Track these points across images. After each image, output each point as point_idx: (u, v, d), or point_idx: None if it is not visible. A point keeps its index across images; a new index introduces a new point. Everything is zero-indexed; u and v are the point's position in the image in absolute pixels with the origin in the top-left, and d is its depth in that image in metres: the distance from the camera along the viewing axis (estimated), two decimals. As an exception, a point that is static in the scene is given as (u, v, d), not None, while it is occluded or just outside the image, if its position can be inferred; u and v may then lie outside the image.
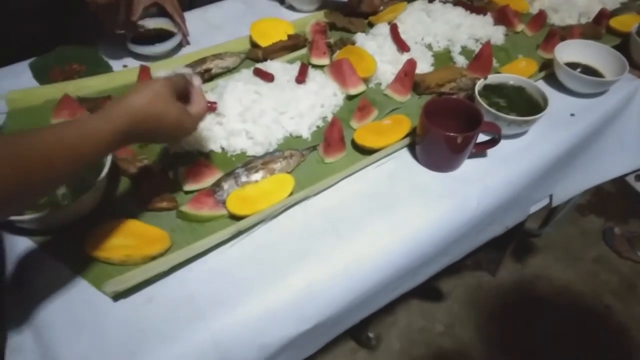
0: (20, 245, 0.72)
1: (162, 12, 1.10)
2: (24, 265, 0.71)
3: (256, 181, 0.81)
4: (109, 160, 0.73)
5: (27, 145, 0.50)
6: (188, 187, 0.80)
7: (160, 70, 0.99)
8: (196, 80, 0.74)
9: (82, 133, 0.55)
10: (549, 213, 1.76)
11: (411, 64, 0.96)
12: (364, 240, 0.75)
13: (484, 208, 0.85)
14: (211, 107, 0.87)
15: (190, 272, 0.71)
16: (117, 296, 0.66)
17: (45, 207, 0.68)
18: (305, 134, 0.91)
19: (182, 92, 0.69)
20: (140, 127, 0.61)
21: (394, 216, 0.79)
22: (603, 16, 1.21)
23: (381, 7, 1.22)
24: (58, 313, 0.65)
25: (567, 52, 1.05)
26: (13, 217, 0.67)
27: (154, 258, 0.70)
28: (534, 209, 1.06)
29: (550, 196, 1.07)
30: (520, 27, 1.20)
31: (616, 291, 1.79)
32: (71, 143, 0.53)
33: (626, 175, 1.15)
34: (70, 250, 0.70)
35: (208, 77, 1.01)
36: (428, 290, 1.75)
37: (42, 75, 1.02)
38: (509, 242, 1.63)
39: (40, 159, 0.50)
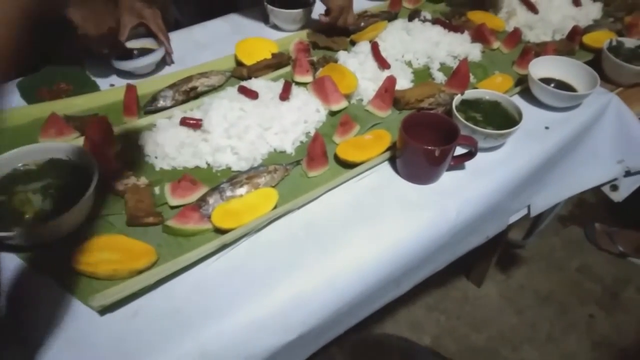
0: (6, 261, 0.73)
1: (148, 33, 1.13)
2: (11, 280, 0.71)
3: (241, 195, 0.83)
4: (95, 176, 0.75)
5: None
6: (174, 202, 0.82)
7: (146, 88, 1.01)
8: None
9: None
10: (532, 224, 1.79)
11: (391, 81, 1.00)
12: (347, 251, 0.77)
13: (463, 218, 0.87)
14: (196, 124, 0.90)
15: (176, 285, 0.72)
16: (104, 310, 0.67)
17: (31, 223, 0.69)
18: (289, 149, 0.93)
19: None
20: None
21: (376, 227, 0.81)
22: (576, 33, 1.26)
23: (362, 23, 1.25)
24: (45, 328, 0.66)
25: (541, 67, 1.10)
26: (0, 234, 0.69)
27: (140, 272, 0.71)
28: (512, 219, 1.09)
29: (529, 207, 1.10)
30: (496, 44, 1.24)
31: (600, 300, 1.82)
32: None
33: (602, 185, 1.18)
34: (57, 266, 0.71)
35: (194, 94, 1.03)
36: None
37: (30, 95, 1.03)
38: (493, 253, 1.66)
39: None
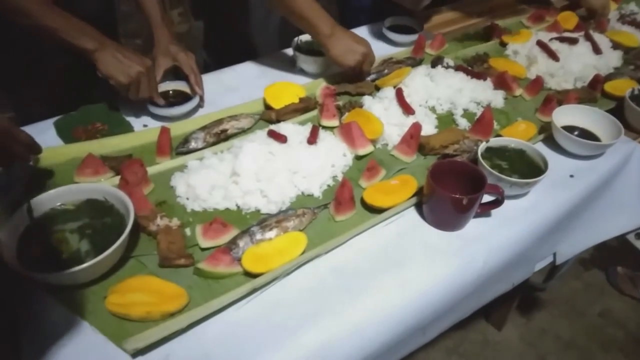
0: (40, 300, 0.74)
1: (180, 75, 1.18)
2: (44, 320, 0.72)
3: (270, 239, 0.84)
4: (131, 219, 0.77)
5: None
6: (205, 244, 0.83)
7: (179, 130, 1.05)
8: None
9: None
10: (553, 267, 1.76)
11: (416, 127, 1.02)
12: (374, 297, 0.78)
13: (490, 266, 0.87)
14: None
15: (206, 329, 0.73)
16: (136, 353, 0.68)
17: (68, 264, 0.70)
18: (317, 192, 0.95)
19: None
20: None
21: (403, 274, 0.82)
22: (598, 81, 1.28)
23: (385, 70, 1.29)
24: (78, 369, 0.67)
25: (565, 115, 1.11)
26: (35, 274, 0.70)
27: (172, 315, 0.72)
28: (538, 266, 1.08)
29: (554, 254, 1.10)
30: (518, 91, 1.27)
31: (623, 347, 1.78)
32: None
33: (627, 233, 1.18)
34: (90, 306, 0.73)
35: (224, 137, 1.06)
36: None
37: (66, 134, 1.07)
38: (514, 296, 1.63)
39: None
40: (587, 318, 1.88)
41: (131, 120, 1.12)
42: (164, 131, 1.01)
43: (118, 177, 0.92)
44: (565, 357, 1.74)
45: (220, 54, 1.50)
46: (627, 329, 1.84)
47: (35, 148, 0.89)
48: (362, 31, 1.55)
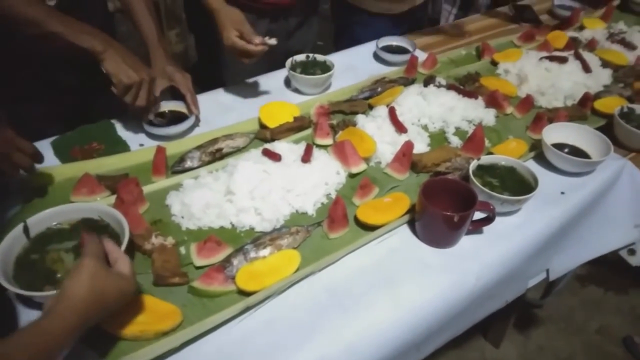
0: (33, 316, 0.74)
1: (177, 95, 1.20)
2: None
3: (264, 257, 0.85)
4: (126, 237, 0.78)
5: None
6: (199, 262, 0.84)
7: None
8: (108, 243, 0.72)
9: (37, 343, 0.56)
10: (550, 283, 1.77)
11: (409, 146, 1.03)
12: (368, 314, 0.79)
13: (482, 283, 0.88)
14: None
15: (200, 346, 0.73)
16: (130, 372, 0.68)
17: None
18: (310, 210, 0.96)
19: (106, 255, 0.70)
20: (90, 315, 0.62)
21: (397, 291, 0.82)
22: (587, 99, 1.30)
23: (379, 88, 1.31)
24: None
25: (555, 133, 1.13)
26: (30, 293, 0.71)
27: (166, 333, 0.72)
28: (531, 283, 1.09)
29: (547, 270, 1.11)
30: (509, 109, 1.29)
31: (622, 364, 1.77)
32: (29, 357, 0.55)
33: (620, 249, 1.18)
34: (85, 325, 0.73)
35: (219, 156, 1.08)
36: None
37: (63, 153, 1.08)
38: (511, 313, 1.63)
39: None
40: (585, 335, 1.87)
41: (128, 139, 1.14)
42: (160, 151, 1.02)
43: (114, 197, 0.93)
44: (563, 374, 1.73)
45: (212, 72, 1.52)
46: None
47: (38, 157, 0.91)
48: (356, 50, 1.58)
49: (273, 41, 1.16)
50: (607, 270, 2.11)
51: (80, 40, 0.96)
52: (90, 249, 0.66)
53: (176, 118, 1.17)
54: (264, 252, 0.85)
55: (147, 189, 0.97)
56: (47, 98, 1.17)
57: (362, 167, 1.06)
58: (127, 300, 0.70)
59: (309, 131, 1.17)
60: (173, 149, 1.08)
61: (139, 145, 1.13)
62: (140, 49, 1.21)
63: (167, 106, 1.19)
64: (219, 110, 1.26)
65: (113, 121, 1.17)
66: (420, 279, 0.85)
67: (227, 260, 0.83)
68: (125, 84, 1.01)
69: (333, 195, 1.00)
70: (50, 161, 1.06)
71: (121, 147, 1.12)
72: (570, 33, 1.70)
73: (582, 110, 1.29)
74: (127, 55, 1.02)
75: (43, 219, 0.83)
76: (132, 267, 0.71)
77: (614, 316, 1.94)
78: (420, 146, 1.12)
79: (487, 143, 1.14)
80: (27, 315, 0.75)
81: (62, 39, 0.95)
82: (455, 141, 1.16)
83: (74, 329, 0.59)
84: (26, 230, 0.80)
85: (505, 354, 1.79)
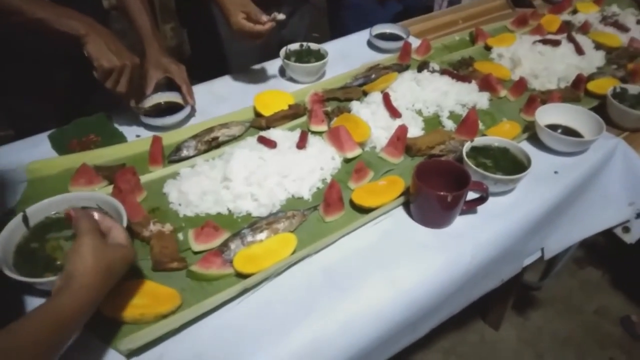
0: (34, 303, 0.76)
1: (172, 86, 1.20)
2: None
3: (261, 240, 0.86)
4: (124, 224, 0.79)
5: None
6: (197, 247, 0.85)
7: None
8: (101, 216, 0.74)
9: (50, 323, 0.57)
10: (548, 266, 1.79)
11: (403, 130, 1.04)
12: (364, 295, 0.80)
13: (477, 262, 0.89)
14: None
15: (199, 329, 0.74)
16: (131, 354, 0.69)
17: (62, 269, 0.72)
18: (306, 195, 0.97)
19: (102, 229, 0.71)
20: (99, 288, 0.63)
21: (392, 271, 0.83)
22: (581, 81, 1.31)
23: (373, 75, 1.31)
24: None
25: (548, 114, 1.14)
26: (31, 280, 0.72)
27: (165, 316, 0.74)
28: (527, 262, 1.10)
29: (542, 249, 1.12)
30: (503, 92, 1.29)
31: (619, 343, 1.79)
32: (43, 338, 0.56)
33: (614, 227, 1.20)
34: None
35: (215, 144, 1.09)
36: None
37: (61, 146, 1.09)
38: (509, 295, 1.65)
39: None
40: (583, 315, 1.89)
41: (124, 131, 1.14)
42: (156, 140, 1.03)
43: (112, 187, 0.94)
44: (562, 354, 1.75)
45: (206, 64, 1.53)
46: (624, 326, 1.85)
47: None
48: (350, 39, 1.59)
49: (282, 16, 1.16)
50: (604, 251, 2.13)
51: (63, 25, 0.95)
52: (84, 226, 0.68)
53: (172, 109, 1.17)
54: (261, 235, 0.87)
55: (144, 178, 0.98)
56: (42, 91, 1.17)
57: (357, 152, 1.07)
58: (130, 266, 0.71)
59: (303, 118, 1.18)
60: (169, 139, 1.09)
61: (136, 137, 1.14)
62: (136, 46, 1.21)
63: (162, 97, 1.20)
64: (215, 100, 1.26)
65: (109, 113, 1.18)
66: (416, 259, 0.86)
67: (225, 245, 0.84)
68: (105, 68, 0.99)
69: (328, 180, 1.01)
70: (48, 154, 1.07)
71: (118, 138, 1.12)
72: (564, 17, 1.71)
73: (575, 92, 1.30)
74: (111, 40, 1.00)
75: (42, 208, 0.84)
76: (127, 233, 0.72)
77: (611, 297, 1.96)
78: (415, 130, 1.13)
79: (481, 126, 1.15)
80: (28, 306, 0.77)
81: (46, 26, 0.94)
82: (450, 125, 1.17)
83: (85, 304, 0.61)
84: (25, 219, 0.82)
85: (504, 335, 1.81)
